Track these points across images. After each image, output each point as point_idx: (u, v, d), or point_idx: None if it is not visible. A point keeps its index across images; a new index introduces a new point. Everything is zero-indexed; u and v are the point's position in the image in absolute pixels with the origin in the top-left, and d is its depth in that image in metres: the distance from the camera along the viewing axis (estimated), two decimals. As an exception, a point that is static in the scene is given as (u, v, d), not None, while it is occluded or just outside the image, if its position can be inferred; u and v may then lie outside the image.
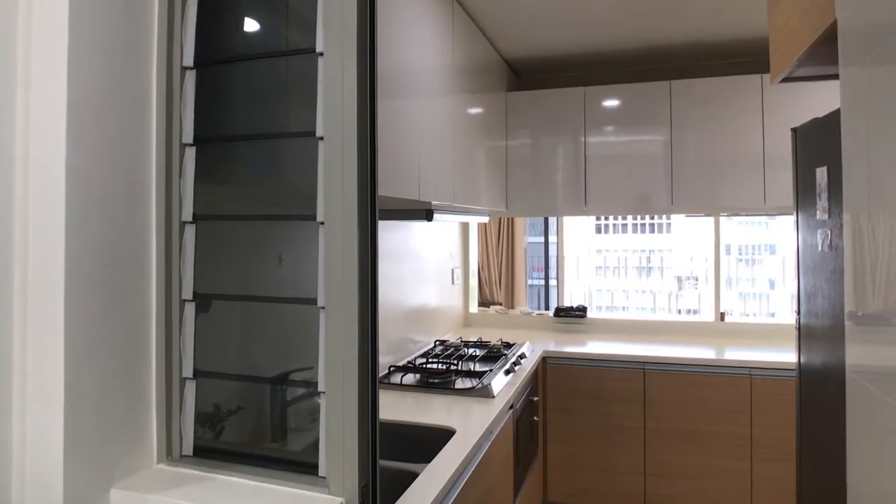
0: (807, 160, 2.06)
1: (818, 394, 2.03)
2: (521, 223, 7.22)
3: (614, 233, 18.19)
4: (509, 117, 3.69)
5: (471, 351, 3.15)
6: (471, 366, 2.85)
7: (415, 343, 3.26)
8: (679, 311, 14.21)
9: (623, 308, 13.59)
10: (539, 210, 3.70)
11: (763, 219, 19.33)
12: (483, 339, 3.38)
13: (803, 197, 2.07)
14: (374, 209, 1.20)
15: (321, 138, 1.20)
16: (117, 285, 1.22)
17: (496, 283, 7.01)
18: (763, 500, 3.04)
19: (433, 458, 1.90)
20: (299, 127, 1.24)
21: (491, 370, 2.77)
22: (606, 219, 18.38)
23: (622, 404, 3.23)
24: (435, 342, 3.36)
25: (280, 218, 1.28)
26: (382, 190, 2.05)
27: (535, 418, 3.08)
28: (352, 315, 1.17)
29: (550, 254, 7.90)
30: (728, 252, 18.61)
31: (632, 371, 3.21)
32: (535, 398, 3.09)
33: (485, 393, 2.50)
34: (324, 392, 1.21)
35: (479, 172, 3.17)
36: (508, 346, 3.24)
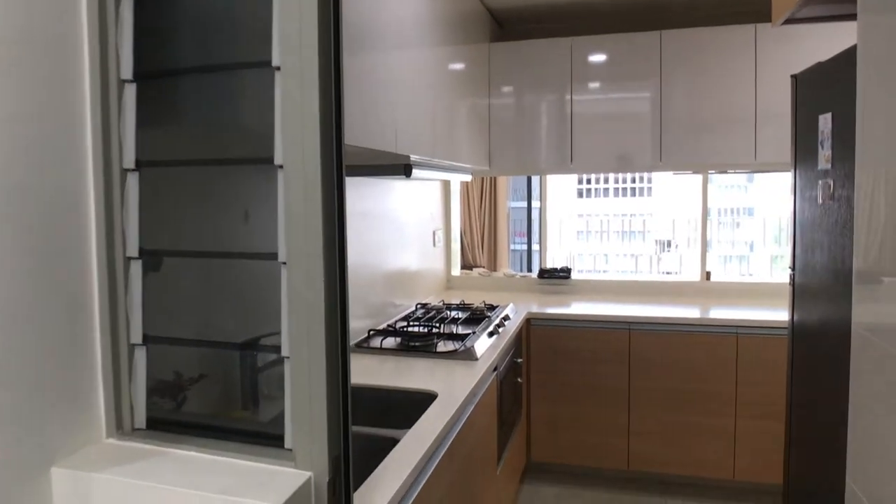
0: (808, 108, 1.93)
1: (813, 351, 1.93)
2: (503, 187, 7.06)
3: (596, 197, 18.11)
4: (492, 71, 3.51)
5: (453, 314, 3.03)
6: (453, 328, 2.72)
7: (395, 307, 3.13)
8: (660, 275, 14.24)
9: (605, 272, 13.57)
10: (523, 168, 3.54)
11: (742, 181, 19.35)
12: (466, 302, 3.26)
13: (802, 147, 1.94)
14: (339, 151, 1.05)
15: (278, 68, 1.04)
16: (50, 242, 1.06)
17: (479, 246, 6.88)
18: (746, 457, 2.98)
19: (415, 423, 1.79)
20: (254, 57, 1.08)
21: (474, 332, 2.65)
22: (589, 182, 18.27)
23: (607, 365, 3.13)
24: (416, 305, 3.24)
25: (232, 162, 1.12)
26: (358, 140, 1.89)
27: (519, 380, 2.98)
28: (316, 270, 1.03)
29: (533, 218, 7.78)
30: (708, 215, 18.67)
31: (617, 331, 3.11)
32: (519, 360, 2.99)
33: (468, 356, 2.39)
34: (287, 357, 1.07)
35: (461, 129, 3.01)
36: (492, 308, 3.12)
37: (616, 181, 18.25)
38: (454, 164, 2.93)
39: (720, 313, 3.10)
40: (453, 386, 2.07)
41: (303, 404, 1.07)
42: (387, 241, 3.04)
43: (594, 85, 3.40)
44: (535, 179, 7.65)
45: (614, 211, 17.33)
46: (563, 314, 3.19)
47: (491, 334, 2.68)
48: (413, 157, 2.40)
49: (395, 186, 3.14)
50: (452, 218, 3.89)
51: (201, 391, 1.22)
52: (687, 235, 16.06)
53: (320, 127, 1.02)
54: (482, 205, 6.97)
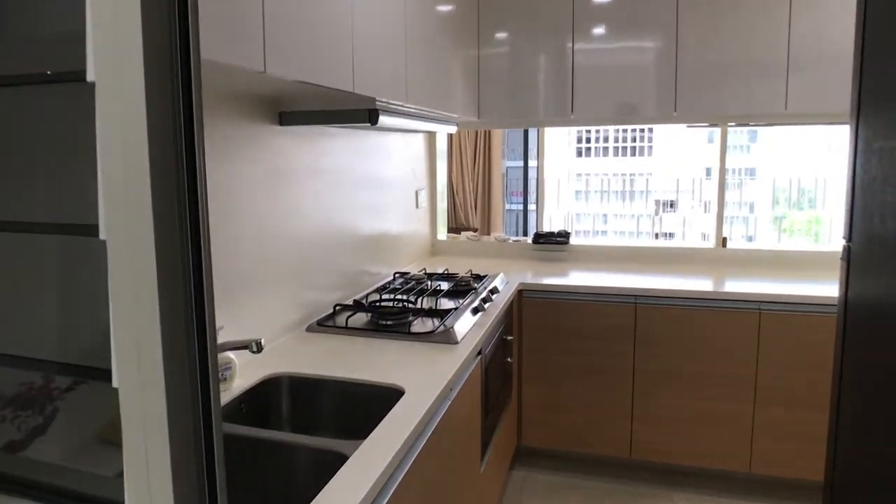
0: (884, 44, 1.48)
1: (875, 333, 1.53)
2: (498, 145, 6.58)
3: (595, 156, 17.57)
4: (482, 12, 3.02)
5: (434, 284, 2.62)
6: (433, 303, 2.32)
7: (371, 276, 2.72)
8: (657, 236, 13.85)
9: (603, 233, 13.17)
10: (516, 119, 3.09)
11: (745, 142, 18.80)
12: (450, 271, 2.84)
13: (870, 92, 1.51)
14: (189, 68, 0.62)
15: None
16: None
17: (472, 207, 6.43)
18: (765, 448, 2.61)
19: (376, 426, 1.40)
20: None
21: (456, 308, 2.24)
22: (588, 141, 17.70)
23: (609, 342, 2.74)
24: (394, 275, 2.82)
25: (24, 82, 0.69)
26: (293, 71, 1.45)
27: (509, 359, 2.59)
28: (143, 249, 0.61)
29: (530, 178, 7.31)
30: (708, 176, 18.17)
31: (621, 305, 2.71)
32: (509, 337, 2.59)
33: (447, 338, 1.99)
34: (117, 387, 0.67)
35: (443, 74, 2.55)
36: (479, 278, 2.71)
37: (616, 140, 17.70)
38: (434, 112, 2.48)
39: (739, 286, 2.69)
40: (426, 378, 1.67)
41: (138, 454, 0.66)
42: (359, 203, 2.61)
43: (599, 30, 2.92)
44: (533, 138, 7.17)
45: (613, 170, 16.82)
46: (560, 285, 2.78)
47: (476, 310, 2.27)
48: (380, 102, 1.96)
49: (370, 140, 2.69)
50: (438, 176, 3.45)
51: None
52: (688, 196, 15.59)
53: (143, 24, 0.59)
54: (476, 163, 6.50)
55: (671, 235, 13.71)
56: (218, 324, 1.61)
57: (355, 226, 2.58)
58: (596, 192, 14.96)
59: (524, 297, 2.80)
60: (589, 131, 17.05)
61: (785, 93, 2.73)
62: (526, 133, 7.12)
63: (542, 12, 2.96)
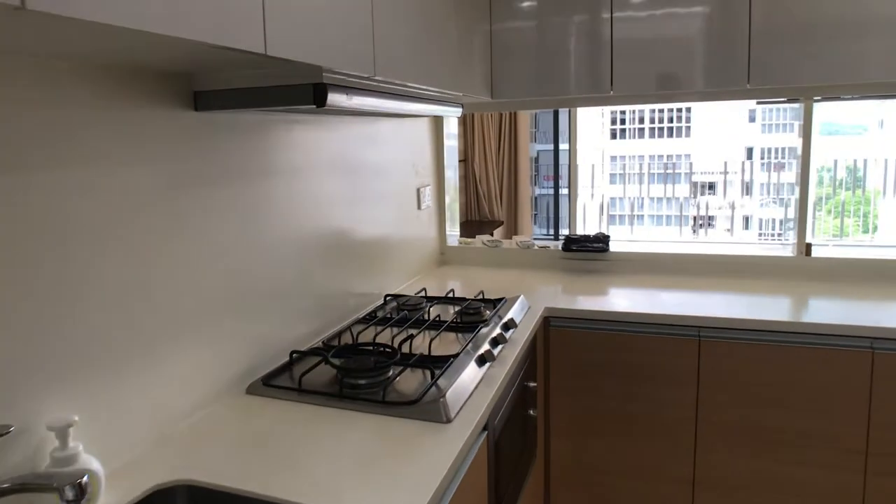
0: None
1: None
2: (525, 128, 5.83)
3: (630, 138, 16.65)
4: None
5: (434, 312, 1.97)
6: (428, 343, 1.66)
7: (357, 298, 2.08)
8: (696, 220, 12.94)
9: (640, 218, 12.31)
10: (540, 98, 2.38)
11: (790, 119, 17.59)
12: (456, 293, 2.17)
13: None
14: None
15: None
16: None
17: (496, 198, 5.73)
18: (875, 529, 1.90)
19: None
20: None
21: (457, 356, 1.59)
22: (622, 122, 16.73)
23: (664, 386, 2.05)
24: (385, 298, 2.17)
25: None
26: (120, 17, 0.78)
27: (532, 412, 1.92)
28: None
29: (561, 162, 6.56)
30: (750, 157, 17.06)
31: (681, 339, 2.01)
32: (532, 384, 1.92)
33: (435, 413, 1.33)
34: None
35: (441, 43, 1.86)
36: (493, 304, 2.04)
37: (652, 120, 16.71)
38: (428, 90, 1.80)
39: (840, 312, 1.96)
40: (392, 495, 1.03)
41: None
42: (339, 208, 1.97)
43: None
44: (563, 120, 6.42)
45: (650, 152, 15.87)
46: (598, 312, 2.09)
47: (483, 360, 1.61)
48: (331, 75, 1.30)
49: (351, 128, 2.04)
50: (448, 169, 2.77)
51: None
52: (730, 178, 14.57)
53: None
54: (500, 149, 5.78)
55: (711, 220, 12.79)
56: (70, 416, 0.99)
57: (335, 237, 1.93)
58: (633, 174, 14.07)
59: (551, 327, 2.12)
60: (623, 112, 16.08)
61: (903, 52, 1.97)
62: (556, 114, 6.36)
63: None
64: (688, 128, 16.51)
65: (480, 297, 2.10)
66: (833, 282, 2.32)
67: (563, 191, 6.45)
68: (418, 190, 2.53)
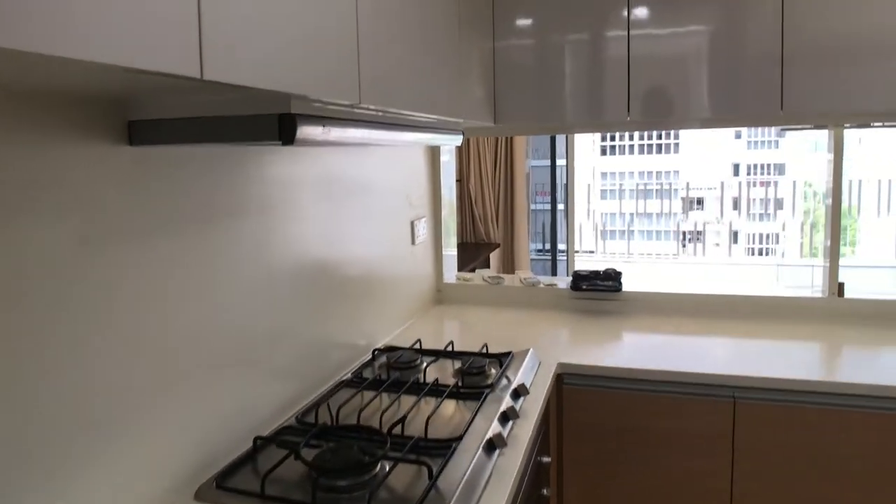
0: None
1: None
2: (521, 146, 5.55)
3: (620, 154, 16.46)
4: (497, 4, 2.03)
5: (430, 374, 1.66)
6: (423, 420, 1.34)
7: (342, 351, 1.77)
8: (685, 235, 12.73)
9: (631, 234, 12.09)
10: (548, 123, 2.09)
11: (773, 136, 17.47)
12: (455, 347, 1.85)
13: None
14: None
15: None
16: None
17: (492, 219, 5.43)
18: None
19: None
20: None
21: (461, 439, 1.28)
22: (612, 139, 16.56)
23: (694, 456, 1.74)
24: (374, 353, 1.85)
25: None
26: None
27: (545, 492, 1.61)
28: None
29: (557, 180, 6.28)
30: (736, 173, 16.92)
31: (714, 401, 1.71)
32: (546, 459, 1.61)
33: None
34: None
35: (435, 62, 1.56)
36: (499, 360, 1.72)
37: (641, 137, 16.54)
38: (425, 117, 1.50)
39: (890, 366, 1.67)
40: None
41: None
42: (320, 245, 1.66)
43: (665, 9, 1.91)
44: (560, 137, 6.15)
45: (640, 168, 15.70)
46: (617, 369, 1.78)
47: (492, 446, 1.30)
48: (301, 103, 1.00)
49: (336, 159, 1.73)
50: (444, 199, 2.47)
51: None
52: (718, 194, 14.38)
53: None
54: (496, 167, 5.49)
55: (701, 234, 12.58)
56: None
57: (317, 281, 1.63)
58: (625, 190, 13.86)
59: (565, 385, 1.81)
60: (615, 129, 15.83)
61: (963, 76, 1.69)
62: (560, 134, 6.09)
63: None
64: (676, 144, 16.34)
65: (485, 350, 1.79)
66: (867, 326, 2.03)
67: (560, 206, 6.18)
68: (412, 223, 2.23)
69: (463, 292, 2.47)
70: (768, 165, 16.89)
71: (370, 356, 1.83)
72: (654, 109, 1.93)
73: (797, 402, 1.65)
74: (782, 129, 2.09)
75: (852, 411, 1.62)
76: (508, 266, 5.28)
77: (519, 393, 1.54)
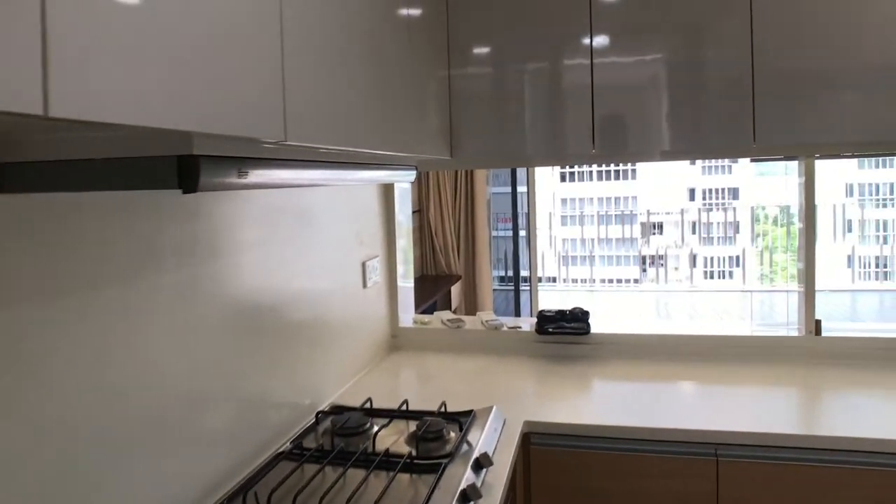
0: None
1: None
2: (482, 171, 5.44)
3: (580, 181, 16.63)
4: (454, 27, 1.88)
5: (381, 441, 1.45)
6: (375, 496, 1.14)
7: (279, 412, 1.55)
8: (644, 260, 12.85)
9: (592, 259, 12.11)
10: (507, 159, 1.94)
11: (726, 162, 17.94)
12: (409, 406, 1.65)
13: None
14: None
15: None
16: None
17: (453, 250, 5.27)
18: None
19: None
20: None
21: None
22: (572, 165, 16.75)
23: (674, 521, 1.57)
24: (317, 415, 1.63)
25: None
26: None
27: (513, 572, 1.41)
28: None
29: (518, 205, 6.18)
30: (692, 198, 17.28)
31: (695, 460, 1.55)
32: (512, 536, 1.42)
33: None
34: None
35: (382, 91, 1.39)
36: (459, 422, 1.53)
37: (601, 164, 16.80)
38: (372, 152, 1.32)
39: (876, 414, 1.54)
40: None
41: None
42: (254, 293, 1.45)
43: (627, 39, 1.79)
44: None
45: (599, 194, 15.89)
46: (590, 426, 1.60)
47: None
48: (207, 143, 0.80)
49: (275, 196, 1.54)
50: (400, 237, 2.29)
51: None
52: (675, 218, 14.60)
53: None
54: (457, 196, 5.35)
55: (661, 258, 12.70)
56: None
57: (251, 333, 1.41)
58: (586, 216, 13.96)
59: (533, 446, 1.62)
60: (574, 156, 16.06)
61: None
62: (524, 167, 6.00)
63: (542, 17, 1.83)
64: (633, 171, 16.62)
65: (443, 409, 1.60)
66: (847, 367, 1.91)
67: (522, 232, 6.07)
68: (364, 264, 2.03)
69: (420, 337, 2.28)
70: (723, 190, 17.32)
71: (313, 419, 1.61)
72: (620, 142, 1.80)
73: (783, 459, 1.50)
74: (752, 160, 1.98)
75: (841, 468, 1.48)
76: (470, 299, 5.10)
77: (481, 464, 1.35)
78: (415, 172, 1.65)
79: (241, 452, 1.40)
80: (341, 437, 1.49)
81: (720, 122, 1.74)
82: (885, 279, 10.02)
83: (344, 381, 1.89)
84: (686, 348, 2.08)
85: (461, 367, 2.06)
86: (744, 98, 1.71)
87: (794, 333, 2.05)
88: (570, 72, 1.83)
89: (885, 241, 12.31)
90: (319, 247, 1.76)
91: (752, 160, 1.98)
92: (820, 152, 1.86)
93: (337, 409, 1.66)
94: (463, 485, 1.25)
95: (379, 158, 1.43)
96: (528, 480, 1.61)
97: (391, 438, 1.49)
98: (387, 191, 2.24)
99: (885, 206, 14.02)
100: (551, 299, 7.21)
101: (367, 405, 1.64)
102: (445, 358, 2.15)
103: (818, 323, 2.02)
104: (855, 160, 14.28)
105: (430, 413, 1.58)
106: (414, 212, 5.20)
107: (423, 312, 4.10)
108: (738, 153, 1.86)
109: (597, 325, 2.17)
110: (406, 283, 2.36)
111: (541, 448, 1.61)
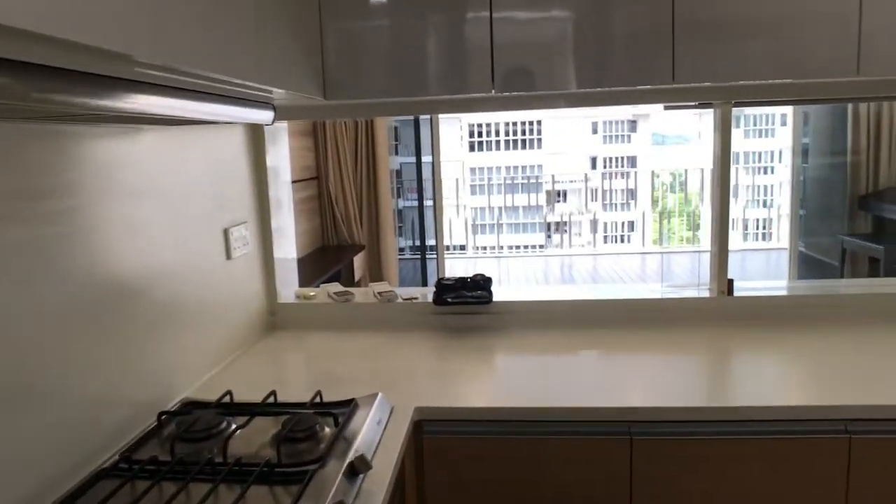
0: None
1: None
2: (384, 140, 5.08)
3: (488, 150, 16.59)
4: None
5: (237, 447, 1.15)
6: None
7: (116, 413, 1.21)
8: (550, 226, 13.02)
9: (500, 227, 12.08)
10: (397, 96, 1.65)
11: (626, 131, 18.50)
12: (277, 398, 1.35)
13: None
14: None
15: None
16: None
17: (355, 219, 4.93)
18: None
19: None
20: None
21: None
22: (480, 135, 16.65)
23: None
24: (160, 417, 1.30)
25: None
26: None
27: (404, 590, 1.17)
28: None
29: (424, 176, 5.91)
30: (594, 166, 17.72)
31: (605, 440, 1.36)
32: (401, 548, 1.17)
33: None
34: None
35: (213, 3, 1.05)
36: (335, 416, 1.25)
37: (507, 133, 16.80)
38: (195, 75, 0.98)
39: (800, 382, 1.42)
40: None
41: None
42: (81, 265, 1.10)
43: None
44: (425, 132, 5.78)
45: (506, 163, 15.92)
46: (491, 409, 1.38)
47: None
48: None
49: (102, 140, 1.17)
50: (283, 197, 1.94)
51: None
52: (579, 187, 14.90)
53: None
54: (357, 163, 4.99)
55: (566, 224, 12.91)
56: None
57: (83, 314, 1.06)
58: (493, 185, 13.94)
59: (426, 436, 1.37)
60: (482, 125, 15.98)
61: (857, 45, 1.46)
62: (417, 126, 5.71)
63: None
64: (539, 140, 16.77)
65: (318, 400, 1.31)
66: (758, 326, 1.80)
67: (428, 202, 5.83)
68: (226, 231, 1.68)
69: (304, 314, 1.96)
70: (622, 158, 17.85)
71: (155, 422, 1.28)
72: (523, 80, 1.55)
73: (697, 434, 1.34)
74: (665, 108, 1.79)
75: (755, 440, 1.33)
76: (375, 270, 4.81)
77: (356, 470, 1.08)
78: (272, 113, 1.32)
79: (57, 472, 1.06)
80: (187, 442, 1.18)
81: (636, 61, 1.52)
82: (769, 240, 10.65)
83: (203, 371, 1.56)
84: (593, 314, 1.90)
85: (348, 348, 1.77)
86: (663, 37, 1.50)
87: (706, 294, 1.92)
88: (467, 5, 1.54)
89: (766, 205, 13.09)
90: (164, 210, 1.40)
91: (666, 107, 1.79)
92: (737, 97, 1.70)
93: (187, 408, 1.34)
94: (332, 498, 0.98)
95: (217, 89, 1.10)
96: (422, 478, 1.37)
97: (250, 441, 1.19)
98: (256, 146, 1.88)
99: (765, 172, 14.91)
100: (458, 267, 7.04)
101: (227, 399, 1.33)
102: (331, 337, 1.86)
103: (730, 283, 1.89)
104: (741, 130, 15.06)
105: (302, 405, 1.29)
106: (312, 178, 4.81)
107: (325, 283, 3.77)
108: (651, 97, 1.65)
109: (501, 293, 1.94)
110: (286, 254, 2.04)
111: (435, 438, 1.37)
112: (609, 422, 1.34)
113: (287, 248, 2.06)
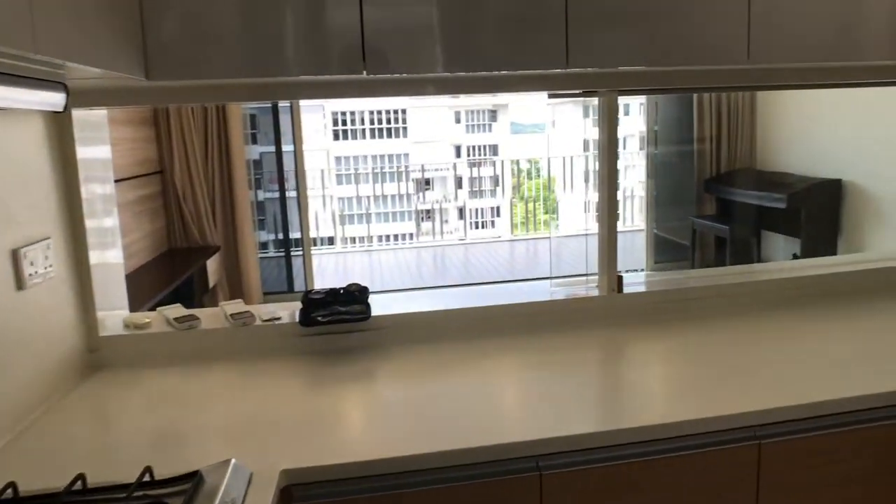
0: None
1: None
2: (237, 128, 4.57)
3: (353, 139, 16.16)
4: None
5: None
6: None
7: None
8: (419, 214, 12.95)
9: (368, 217, 11.76)
10: (247, 75, 1.33)
11: (487, 121, 18.92)
12: (88, 481, 1.00)
13: None
14: None
15: None
16: None
17: (207, 216, 4.40)
18: None
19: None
20: None
21: None
22: (345, 123, 16.17)
23: (493, 561, 1.18)
24: None
25: None
26: None
27: None
28: None
29: (286, 166, 5.45)
30: (459, 155, 17.91)
31: (513, 480, 1.16)
32: None
33: None
34: None
35: None
36: (170, 495, 0.93)
37: (371, 122, 16.46)
38: None
39: (709, 390, 1.32)
40: None
41: None
42: None
43: None
44: (285, 120, 5.32)
45: (371, 152, 15.63)
46: (374, 462, 1.12)
47: None
48: None
49: None
50: (88, 204, 1.52)
51: None
52: (445, 175, 14.96)
53: None
54: (208, 154, 4.44)
55: (431, 213, 12.89)
56: None
57: None
58: (361, 174, 13.57)
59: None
60: (345, 113, 15.48)
61: (747, 38, 1.38)
62: (276, 113, 5.24)
63: None
64: (405, 129, 16.62)
65: (147, 478, 0.98)
66: (647, 323, 1.72)
67: (291, 193, 5.40)
68: (15, 253, 1.26)
69: (136, 347, 1.56)
70: (485, 147, 18.21)
71: None
72: (397, 60, 1.29)
73: (606, 459, 1.19)
74: (550, 96, 1.62)
75: (663, 458, 1.21)
76: (233, 273, 4.33)
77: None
78: (62, 96, 0.95)
79: None
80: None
81: (527, 42, 1.32)
82: (622, 222, 11.39)
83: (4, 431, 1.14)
84: (481, 321, 1.71)
85: (193, 390, 1.42)
86: (555, 20, 1.31)
87: (595, 293, 1.80)
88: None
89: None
90: None
91: (551, 95, 1.63)
92: (623, 85, 1.57)
93: (-52, 511, 0.94)
94: None
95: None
96: (294, 560, 1.08)
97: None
98: (61, 139, 1.45)
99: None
100: (327, 263, 6.65)
101: (9, 494, 0.95)
102: (171, 375, 1.49)
103: (620, 279, 1.78)
104: (591, 119, 15.93)
105: (124, 489, 0.95)
106: (154, 173, 4.21)
107: (174, 295, 3.26)
108: (541, 84, 1.47)
109: (379, 304, 1.69)
110: (111, 271, 1.62)
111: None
112: (515, 458, 1.15)
113: (111, 263, 1.64)
